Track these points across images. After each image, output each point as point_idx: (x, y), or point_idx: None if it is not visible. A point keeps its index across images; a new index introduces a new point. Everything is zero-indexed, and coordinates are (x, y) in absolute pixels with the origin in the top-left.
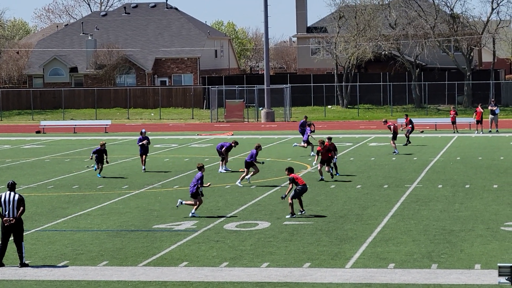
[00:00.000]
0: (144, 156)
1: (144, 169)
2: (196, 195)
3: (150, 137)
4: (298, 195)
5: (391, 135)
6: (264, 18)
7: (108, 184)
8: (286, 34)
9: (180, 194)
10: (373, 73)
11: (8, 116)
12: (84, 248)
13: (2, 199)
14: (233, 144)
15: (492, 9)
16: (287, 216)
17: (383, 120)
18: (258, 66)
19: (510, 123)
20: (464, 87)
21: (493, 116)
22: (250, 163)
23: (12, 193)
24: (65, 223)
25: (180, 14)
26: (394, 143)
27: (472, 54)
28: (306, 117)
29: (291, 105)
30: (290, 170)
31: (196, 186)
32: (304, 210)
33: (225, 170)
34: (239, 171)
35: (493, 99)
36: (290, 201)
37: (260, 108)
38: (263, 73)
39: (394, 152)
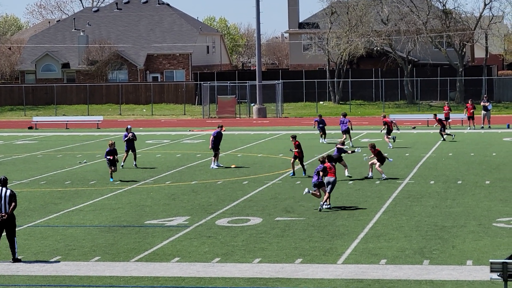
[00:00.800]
0: (129, 152)
1: (136, 165)
2: (321, 185)
3: (142, 133)
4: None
5: (385, 131)
6: (256, 14)
7: (100, 180)
8: (278, 30)
9: (172, 190)
10: (365, 69)
11: (0, 112)
12: (77, 244)
13: None
14: (219, 129)
15: (485, 5)
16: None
17: (382, 114)
18: (250, 62)
19: (502, 119)
20: (457, 83)
21: (485, 112)
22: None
23: (4, 189)
24: (57, 219)
25: (172, 10)
26: (388, 138)
27: (464, 50)
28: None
29: (283, 101)
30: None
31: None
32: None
33: (217, 166)
34: (231, 167)
35: (485, 95)
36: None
37: (252, 104)
38: (255, 69)
39: (389, 147)
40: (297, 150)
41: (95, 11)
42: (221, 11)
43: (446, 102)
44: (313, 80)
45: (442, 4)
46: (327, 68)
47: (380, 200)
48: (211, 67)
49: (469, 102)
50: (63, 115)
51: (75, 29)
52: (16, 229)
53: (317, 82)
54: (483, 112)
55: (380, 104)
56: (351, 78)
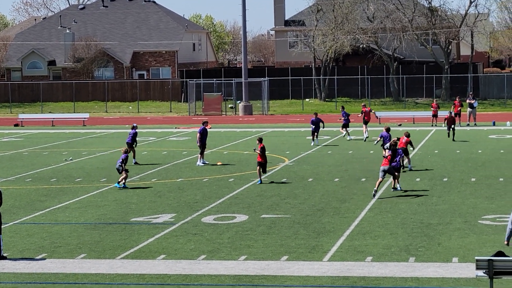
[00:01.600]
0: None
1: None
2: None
3: (128, 131)
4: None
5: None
6: (242, 11)
7: (86, 177)
8: (264, 28)
9: (158, 187)
10: (351, 66)
11: None
12: (62, 241)
13: None
14: (203, 126)
15: (470, 2)
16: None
17: (363, 104)
18: (236, 60)
19: (488, 117)
20: (442, 81)
21: (471, 110)
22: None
23: None
24: (43, 216)
25: (158, 8)
26: (365, 128)
27: (450, 47)
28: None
29: (269, 98)
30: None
31: None
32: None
33: (203, 163)
34: (217, 164)
35: (471, 93)
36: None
37: (238, 101)
38: (241, 67)
39: (366, 136)
40: (260, 153)
41: (81, 9)
42: (207, 8)
43: (435, 100)
44: (299, 78)
45: (427, 2)
46: (313, 66)
47: (366, 197)
48: (197, 64)
49: (457, 99)
50: (49, 112)
51: (61, 26)
52: (2, 226)
53: (303, 80)
54: (468, 109)
55: (366, 102)
56: (337, 76)
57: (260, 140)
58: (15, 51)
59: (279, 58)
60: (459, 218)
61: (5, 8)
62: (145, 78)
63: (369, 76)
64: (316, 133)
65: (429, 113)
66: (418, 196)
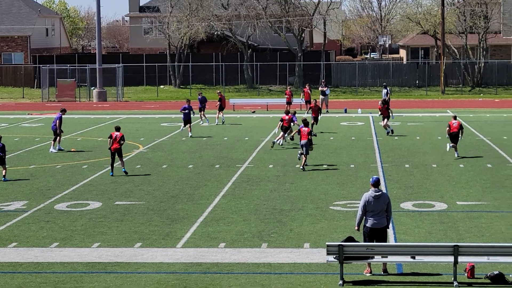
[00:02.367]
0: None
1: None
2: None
3: None
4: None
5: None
6: None
7: None
8: (119, 13)
9: (10, 174)
10: (205, 53)
11: None
12: None
13: None
14: (61, 113)
15: None
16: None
17: (218, 91)
18: (90, 45)
19: (340, 104)
20: (296, 68)
21: (323, 97)
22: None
23: None
24: None
25: None
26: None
27: (303, 35)
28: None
29: (124, 84)
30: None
31: None
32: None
33: (58, 149)
34: (71, 151)
35: (323, 80)
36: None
37: (92, 88)
38: (95, 52)
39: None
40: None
41: None
42: None
43: (289, 87)
44: (153, 64)
45: None
46: (167, 52)
47: (220, 184)
48: (50, 50)
49: (306, 86)
50: None
51: None
52: None
53: (158, 66)
54: (321, 97)
55: (221, 88)
56: (192, 63)
57: (118, 128)
58: None
59: (133, 45)
60: (311, 204)
61: None
62: None
63: (223, 63)
64: (190, 124)
65: (283, 100)
66: (271, 182)
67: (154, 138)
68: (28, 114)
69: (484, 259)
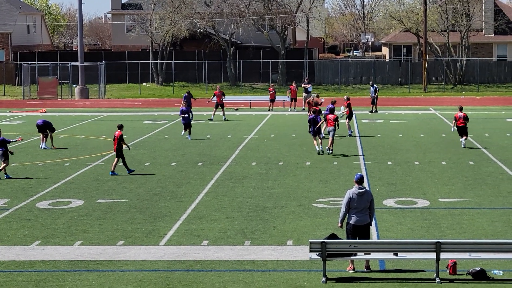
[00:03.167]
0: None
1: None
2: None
3: None
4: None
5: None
6: None
7: None
8: (101, 11)
9: None
10: (188, 50)
11: None
12: None
13: None
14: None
15: None
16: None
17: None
18: (72, 43)
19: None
20: (279, 66)
21: (306, 94)
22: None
23: None
24: None
25: None
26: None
27: (286, 33)
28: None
29: (106, 82)
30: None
31: None
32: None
33: (43, 148)
34: (52, 148)
35: (306, 77)
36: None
37: (74, 85)
38: (77, 50)
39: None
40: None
41: None
42: None
43: (272, 84)
44: (136, 62)
45: None
46: (150, 50)
47: (203, 181)
48: (32, 47)
49: (293, 84)
50: None
51: None
52: None
53: (140, 64)
54: (304, 94)
55: (203, 86)
56: (174, 60)
57: (120, 127)
58: None
59: (116, 42)
60: (294, 201)
61: None
62: None
63: (206, 61)
64: (189, 128)
65: (265, 98)
66: (254, 180)
67: (136, 136)
68: (9, 111)
69: (466, 255)
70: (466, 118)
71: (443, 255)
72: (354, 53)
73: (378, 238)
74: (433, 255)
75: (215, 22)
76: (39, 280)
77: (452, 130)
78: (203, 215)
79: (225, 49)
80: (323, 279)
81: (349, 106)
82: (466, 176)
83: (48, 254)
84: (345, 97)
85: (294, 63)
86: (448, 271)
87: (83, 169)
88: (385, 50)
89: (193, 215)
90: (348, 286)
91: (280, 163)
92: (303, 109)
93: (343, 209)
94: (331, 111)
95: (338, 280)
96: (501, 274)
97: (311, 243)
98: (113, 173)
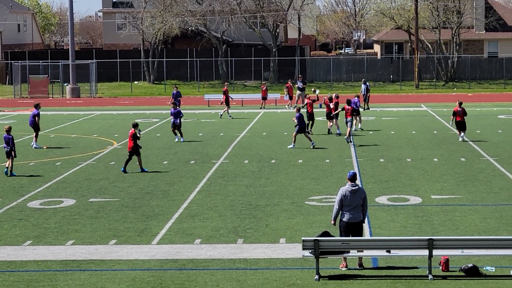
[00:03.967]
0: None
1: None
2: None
3: None
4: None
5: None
6: None
7: None
8: (92, 9)
9: None
10: (180, 49)
11: None
12: None
13: None
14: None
15: None
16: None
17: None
18: (63, 41)
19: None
20: (271, 63)
21: (300, 92)
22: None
23: None
24: None
25: None
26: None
27: (278, 30)
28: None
29: (97, 80)
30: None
31: None
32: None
33: (36, 146)
34: (43, 148)
35: (300, 76)
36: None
37: (66, 84)
38: (68, 48)
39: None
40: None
41: None
42: None
43: (264, 82)
44: (127, 60)
45: None
46: (141, 48)
47: (195, 180)
48: (22, 46)
49: (289, 82)
50: None
51: None
52: None
53: (132, 62)
54: (298, 92)
55: (195, 84)
56: (166, 58)
57: (135, 125)
58: None
59: (107, 40)
60: (287, 199)
61: None
62: None
63: (198, 59)
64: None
65: (257, 96)
66: (246, 178)
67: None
68: (0, 110)
69: (458, 252)
70: (464, 113)
71: (435, 252)
72: (346, 51)
73: (371, 236)
74: (425, 252)
75: (207, 20)
76: (31, 280)
77: (451, 124)
78: (196, 213)
79: (217, 47)
80: (316, 276)
81: (336, 104)
82: (458, 173)
83: (39, 253)
84: (335, 94)
85: (286, 61)
86: (440, 267)
87: (75, 168)
88: (377, 48)
89: (185, 213)
90: (341, 283)
91: (273, 161)
92: (294, 106)
93: (336, 206)
94: (348, 103)
95: (331, 277)
96: (493, 270)
97: (304, 241)
98: (142, 169)
